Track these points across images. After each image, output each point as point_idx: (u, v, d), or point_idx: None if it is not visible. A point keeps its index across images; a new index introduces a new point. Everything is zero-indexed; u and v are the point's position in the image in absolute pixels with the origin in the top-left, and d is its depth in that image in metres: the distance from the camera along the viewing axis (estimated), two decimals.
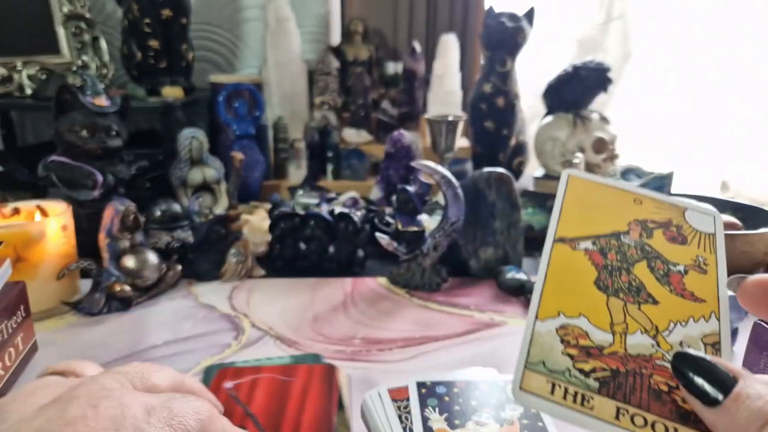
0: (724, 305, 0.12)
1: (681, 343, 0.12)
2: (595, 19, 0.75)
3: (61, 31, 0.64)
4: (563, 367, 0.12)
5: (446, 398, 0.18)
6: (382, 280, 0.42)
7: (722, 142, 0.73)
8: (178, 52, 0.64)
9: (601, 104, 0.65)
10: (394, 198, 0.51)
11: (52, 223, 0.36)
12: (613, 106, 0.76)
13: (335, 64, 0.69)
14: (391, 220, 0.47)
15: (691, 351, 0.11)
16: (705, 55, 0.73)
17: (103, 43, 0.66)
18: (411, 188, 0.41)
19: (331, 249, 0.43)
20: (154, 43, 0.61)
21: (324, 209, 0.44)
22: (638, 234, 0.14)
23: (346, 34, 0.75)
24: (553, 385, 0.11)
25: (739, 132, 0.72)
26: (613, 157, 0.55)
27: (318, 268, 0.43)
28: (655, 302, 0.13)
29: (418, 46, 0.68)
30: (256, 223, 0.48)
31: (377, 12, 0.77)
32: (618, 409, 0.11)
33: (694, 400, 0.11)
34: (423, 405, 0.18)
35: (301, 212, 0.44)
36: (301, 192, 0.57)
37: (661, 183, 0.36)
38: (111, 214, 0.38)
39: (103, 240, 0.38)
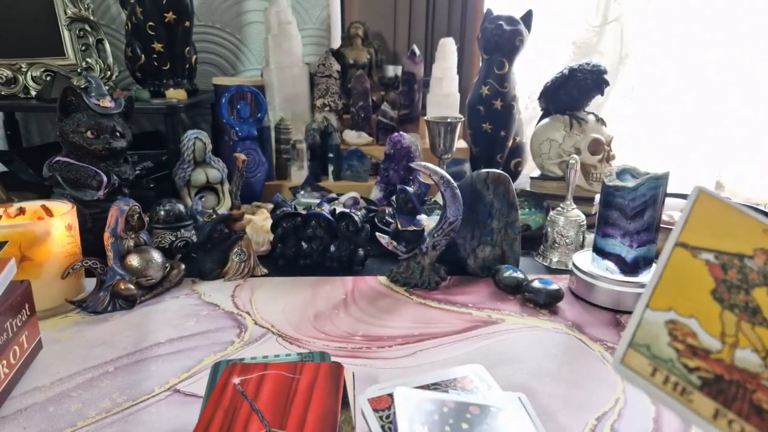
0: None
1: None
2: (591, 22, 0.76)
3: (65, 34, 0.64)
4: (668, 356, 0.12)
5: (435, 417, 0.17)
6: (382, 279, 0.43)
7: (717, 142, 0.74)
8: (182, 55, 0.65)
9: (597, 106, 0.65)
10: (393, 198, 0.52)
11: (57, 223, 0.37)
12: (609, 107, 0.77)
13: (336, 66, 0.70)
14: (390, 220, 0.48)
15: None
16: (700, 57, 0.73)
17: (107, 46, 0.67)
18: (410, 188, 0.41)
19: (332, 248, 0.44)
20: (157, 46, 0.62)
21: (325, 209, 0.45)
22: (763, 262, 0.13)
23: (347, 37, 0.76)
24: (655, 369, 0.12)
25: (734, 132, 0.73)
26: (609, 157, 0.56)
27: (319, 267, 0.44)
28: None
29: (417, 49, 0.69)
30: (259, 222, 0.49)
31: (377, 16, 0.78)
32: (717, 411, 0.11)
33: None
34: (412, 420, 0.17)
35: (303, 212, 0.44)
36: (302, 192, 0.58)
37: (657, 183, 0.37)
38: (115, 213, 0.38)
39: (107, 239, 0.38)
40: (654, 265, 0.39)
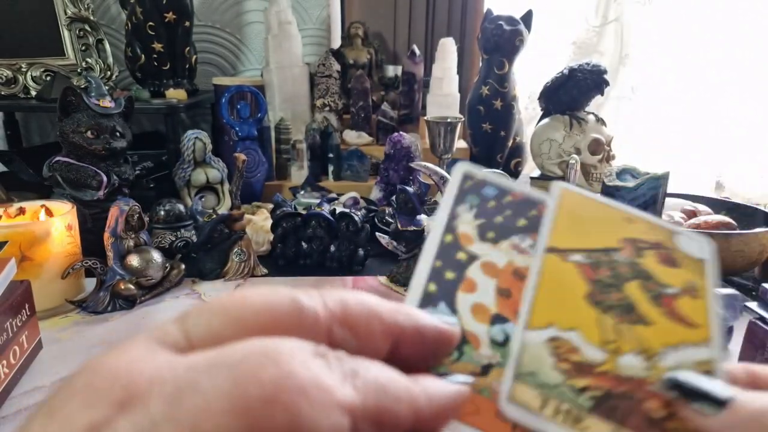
0: (717, 335, 0.12)
1: (674, 369, 0.12)
2: (591, 22, 0.76)
3: (65, 34, 0.64)
4: (555, 381, 0.11)
5: (491, 204, 0.14)
6: (383, 279, 0.43)
7: (717, 142, 0.74)
8: (182, 55, 0.65)
9: (597, 106, 0.65)
10: (393, 198, 0.52)
11: (56, 223, 0.37)
12: (609, 107, 0.77)
13: (336, 66, 0.70)
14: (390, 220, 0.48)
15: (686, 376, 0.11)
16: (700, 57, 0.73)
17: (107, 46, 0.67)
18: (410, 188, 0.41)
19: (332, 248, 0.44)
20: (157, 46, 0.62)
21: (325, 209, 0.45)
22: (630, 252, 0.13)
23: (347, 37, 0.76)
24: (545, 400, 0.11)
25: (733, 133, 0.73)
26: (609, 158, 0.56)
27: (319, 267, 0.44)
28: (648, 324, 0.12)
29: (417, 49, 0.69)
30: (259, 222, 0.49)
31: (377, 16, 0.78)
32: None
33: (694, 414, 0.10)
34: (459, 199, 0.14)
35: (303, 212, 0.44)
36: (302, 192, 0.58)
37: (657, 183, 0.37)
38: (116, 213, 0.38)
39: (107, 239, 0.38)
40: None
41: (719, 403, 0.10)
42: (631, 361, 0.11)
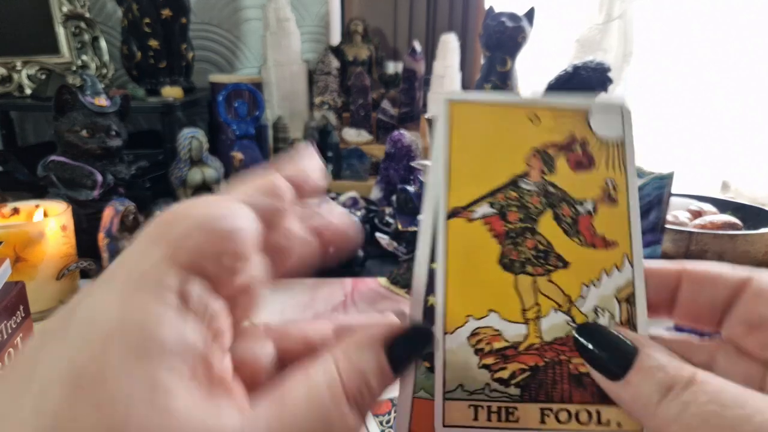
0: (637, 242, 0.11)
1: (596, 310, 0.11)
2: (595, 19, 0.75)
3: (60, 31, 0.64)
4: (482, 384, 0.10)
5: None
6: (382, 280, 0.42)
7: (723, 141, 0.73)
8: (178, 52, 0.64)
9: None
10: (394, 198, 0.51)
11: (51, 223, 0.36)
12: None
13: (335, 63, 0.69)
14: (391, 220, 0.47)
15: (590, 322, 0.11)
16: (706, 54, 0.72)
17: (102, 43, 0.66)
18: (411, 188, 0.41)
19: (331, 249, 0.43)
20: (153, 43, 0.61)
21: None
22: (539, 171, 0.11)
23: (346, 33, 0.75)
24: (476, 409, 0.10)
25: (739, 132, 0.72)
26: None
27: (318, 268, 0.43)
28: (566, 264, 0.11)
29: (418, 46, 0.68)
30: None
31: (377, 12, 0.77)
32: (542, 412, 0.10)
33: (598, 376, 0.10)
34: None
35: None
36: None
37: (662, 183, 0.36)
38: (111, 214, 0.38)
39: (102, 240, 0.37)
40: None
41: (614, 376, 0.10)
42: (553, 321, 0.11)
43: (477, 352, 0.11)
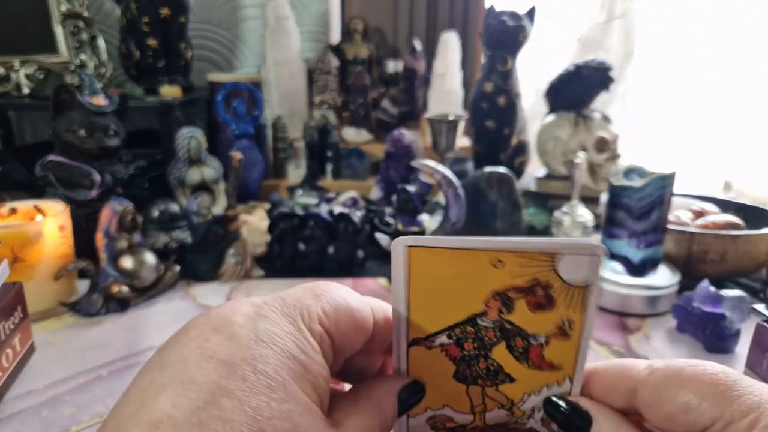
0: (581, 365, 0.13)
1: (533, 409, 0.13)
2: (596, 18, 0.74)
3: (58, 30, 0.63)
4: None
5: None
6: (382, 281, 0.42)
7: (725, 141, 0.73)
8: (177, 51, 0.64)
9: (603, 103, 0.64)
10: (394, 198, 0.51)
11: (49, 224, 0.36)
12: (615, 105, 0.76)
13: (335, 62, 0.69)
14: (391, 221, 0.47)
15: (554, 397, 0.13)
16: (708, 54, 0.72)
17: (101, 42, 0.66)
18: (411, 188, 0.41)
19: (331, 249, 0.43)
20: (152, 42, 0.61)
21: (323, 209, 0.44)
22: (497, 312, 0.13)
23: (346, 32, 0.75)
24: None
25: (742, 132, 0.72)
26: (614, 156, 0.55)
27: (317, 269, 0.43)
28: (513, 380, 0.13)
29: (418, 45, 0.67)
30: (255, 223, 0.48)
31: (377, 10, 0.76)
32: None
33: None
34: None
35: (301, 212, 0.44)
36: (300, 192, 0.57)
37: (663, 183, 0.36)
38: (109, 214, 0.37)
39: (100, 240, 0.37)
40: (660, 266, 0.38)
41: (580, 429, 0.12)
42: (496, 414, 0.13)
43: (433, 428, 0.14)
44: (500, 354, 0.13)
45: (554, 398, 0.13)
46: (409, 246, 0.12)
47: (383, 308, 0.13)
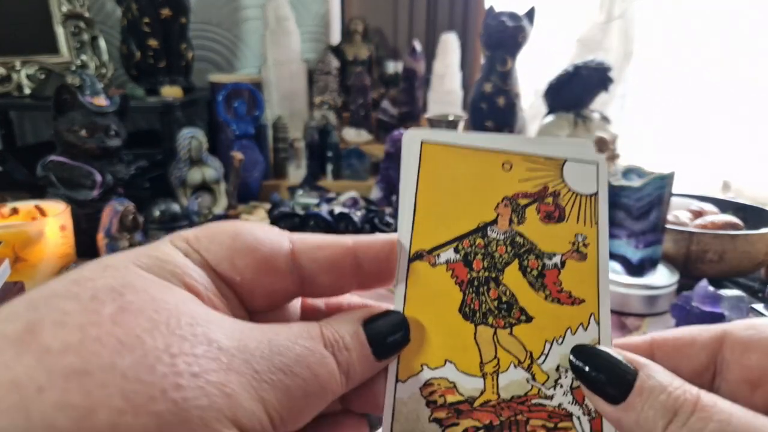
0: (605, 301, 0.11)
1: (558, 369, 0.11)
2: (596, 19, 0.74)
3: (60, 31, 0.63)
4: None
5: None
6: None
7: (724, 141, 0.73)
8: (178, 52, 0.64)
9: (602, 104, 0.64)
10: (394, 198, 0.51)
11: (50, 224, 0.36)
12: (614, 105, 0.76)
13: (335, 63, 0.69)
14: (391, 220, 0.47)
15: (588, 345, 0.10)
16: (707, 54, 0.72)
17: (102, 43, 0.66)
18: None
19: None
20: (153, 43, 0.61)
21: (324, 209, 0.44)
22: (508, 220, 0.11)
23: (346, 33, 0.75)
24: None
25: (740, 131, 0.72)
26: (614, 156, 0.55)
27: None
28: (529, 319, 0.11)
29: (418, 45, 0.67)
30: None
31: (377, 11, 0.77)
32: None
33: (596, 399, 0.10)
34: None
35: (301, 212, 0.44)
36: (300, 192, 0.57)
37: (662, 183, 0.36)
38: (110, 214, 0.38)
39: (101, 240, 0.37)
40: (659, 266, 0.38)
41: (614, 399, 0.09)
42: (512, 377, 0.10)
43: (429, 404, 0.10)
44: (513, 278, 0.11)
45: (584, 346, 0.10)
46: (425, 141, 0.11)
47: (334, 239, 0.11)
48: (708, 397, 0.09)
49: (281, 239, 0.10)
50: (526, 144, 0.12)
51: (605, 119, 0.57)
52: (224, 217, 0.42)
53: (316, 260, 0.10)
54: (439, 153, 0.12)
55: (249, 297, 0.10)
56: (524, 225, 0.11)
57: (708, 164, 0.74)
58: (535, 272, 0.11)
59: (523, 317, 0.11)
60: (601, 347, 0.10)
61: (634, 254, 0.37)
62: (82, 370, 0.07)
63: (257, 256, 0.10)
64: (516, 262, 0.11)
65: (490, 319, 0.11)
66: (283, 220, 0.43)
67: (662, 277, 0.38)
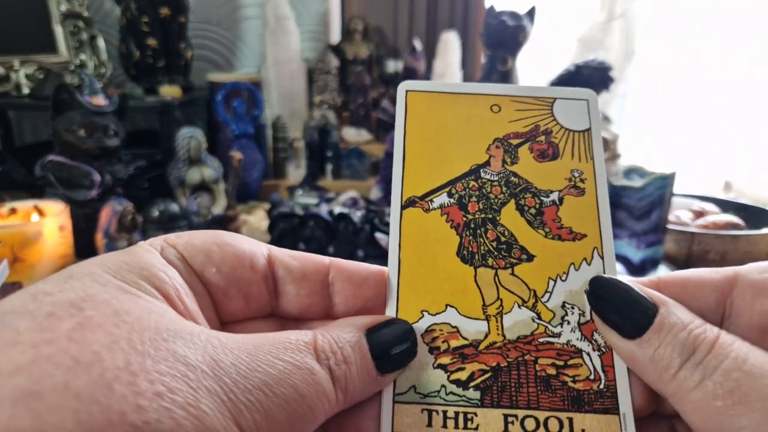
0: (607, 234, 0.10)
1: (564, 305, 0.10)
2: (596, 18, 0.74)
3: (58, 30, 0.63)
4: (437, 385, 0.10)
5: None
6: None
7: (725, 141, 0.73)
8: (177, 51, 0.64)
9: (603, 103, 0.64)
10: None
11: (49, 224, 0.36)
12: (615, 105, 0.76)
13: (335, 62, 0.69)
14: None
15: (606, 276, 0.10)
16: (708, 53, 0.72)
17: (101, 42, 0.66)
18: None
19: (331, 249, 0.43)
20: (152, 42, 0.61)
21: (323, 209, 0.44)
22: (501, 161, 0.11)
23: (346, 32, 0.75)
24: (430, 414, 0.09)
25: (742, 132, 0.72)
26: (614, 156, 0.55)
27: None
28: (530, 258, 0.10)
29: (418, 45, 0.67)
30: (255, 223, 0.48)
31: (377, 10, 0.76)
32: (506, 418, 0.09)
33: (611, 332, 0.09)
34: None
35: (301, 212, 0.43)
36: (300, 192, 0.57)
37: (664, 183, 0.36)
38: (108, 214, 0.37)
39: (100, 240, 0.37)
40: (660, 266, 0.38)
41: (630, 334, 0.09)
42: (517, 318, 0.10)
43: (432, 350, 0.10)
44: (511, 218, 0.11)
45: (602, 277, 0.10)
46: (408, 90, 0.11)
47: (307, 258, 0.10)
48: (727, 338, 0.08)
49: (260, 244, 0.10)
50: (512, 89, 0.12)
51: (606, 119, 0.57)
52: (224, 217, 0.42)
53: (290, 269, 0.10)
54: (424, 100, 0.11)
55: (224, 297, 0.10)
56: (518, 165, 0.11)
57: (709, 164, 0.73)
58: (533, 210, 0.11)
59: (524, 256, 0.11)
60: (623, 280, 0.10)
61: (636, 254, 0.37)
62: (32, 391, 0.06)
63: (235, 251, 0.10)
64: (512, 201, 0.11)
65: (490, 261, 0.10)
66: (282, 220, 0.43)
67: None
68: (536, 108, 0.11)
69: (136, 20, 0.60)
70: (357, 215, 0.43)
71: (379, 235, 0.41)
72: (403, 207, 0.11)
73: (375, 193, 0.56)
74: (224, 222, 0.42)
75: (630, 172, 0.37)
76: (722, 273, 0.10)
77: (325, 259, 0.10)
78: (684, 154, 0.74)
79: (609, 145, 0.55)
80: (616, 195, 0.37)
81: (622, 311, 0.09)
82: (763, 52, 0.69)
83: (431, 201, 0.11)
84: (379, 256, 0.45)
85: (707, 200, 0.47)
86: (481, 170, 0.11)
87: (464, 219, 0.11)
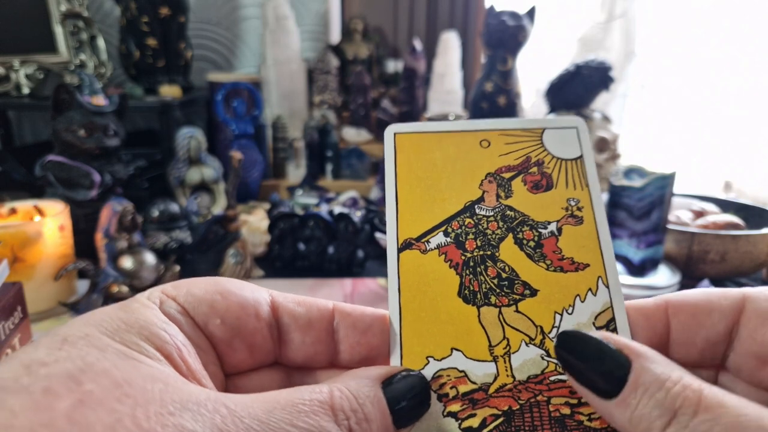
0: (610, 262, 0.10)
1: None
2: (597, 18, 0.74)
3: (58, 30, 0.63)
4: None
5: None
6: (382, 281, 0.42)
7: (725, 141, 0.73)
8: (177, 51, 0.64)
9: (603, 103, 0.64)
10: None
11: (49, 224, 0.36)
12: (615, 105, 0.76)
13: (335, 62, 0.69)
14: None
15: (573, 330, 0.09)
16: (709, 53, 0.72)
17: (100, 42, 0.66)
18: None
19: (331, 249, 0.43)
20: (152, 42, 0.61)
21: (323, 209, 0.44)
22: (495, 195, 0.11)
23: (346, 32, 0.75)
24: None
25: (742, 132, 0.72)
26: (615, 156, 0.55)
27: (317, 269, 0.43)
28: (534, 293, 0.10)
29: (418, 44, 0.67)
30: (255, 223, 0.48)
31: (377, 10, 0.76)
32: None
33: (586, 392, 0.09)
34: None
35: (300, 212, 0.44)
36: (300, 192, 0.57)
37: (664, 183, 0.36)
38: (108, 214, 0.37)
39: (100, 240, 0.37)
40: (660, 266, 0.38)
41: (605, 393, 0.08)
42: (525, 356, 0.10)
43: (441, 398, 0.09)
44: (510, 253, 0.10)
45: (569, 332, 0.09)
46: (396, 133, 0.11)
47: (312, 302, 0.10)
48: (712, 395, 0.08)
49: (262, 290, 0.10)
50: (499, 123, 0.11)
51: (606, 119, 0.57)
52: (224, 217, 0.42)
53: (295, 316, 0.10)
54: (413, 142, 0.11)
55: (228, 349, 0.09)
56: (513, 198, 0.11)
57: (710, 164, 0.73)
58: (532, 243, 0.11)
59: (527, 291, 0.10)
60: (589, 333, 0.09)
61: (636, 254, 0.37)
62: None
63: (238, 299, 0.09)
64: (510, 236, 0.11)
65: (493, 299, 0.10)
66: (282, 220, 0.43)
67: (663, 277, 0.38)
68: (526, 140, 0.11)
69: (135, 20, 0.60)
70: (357, 215, 0.43)
71: (379, 235, 0.42)
72: (400, 250, 0.11)
73: (375, 193, 0.56)
74: (225, 222, 0.42)
75: (630, 172, 0.37)
76: (731, 298, 0.09)
77: (329, 304, 0.10)
78: (684, 154, 0.74)
79: (609, 145, 0.55)
80: (616, 195, 0.37)
81: (594, 367, 0.09)
82: (763, 52, 0.69)
83: (428, 242, 0.11)
84: (380, 256, 0.45)
85: (707, 200, 0.47)
86: (476, 206, 0.11)
87: (463, 258, 0.10)
